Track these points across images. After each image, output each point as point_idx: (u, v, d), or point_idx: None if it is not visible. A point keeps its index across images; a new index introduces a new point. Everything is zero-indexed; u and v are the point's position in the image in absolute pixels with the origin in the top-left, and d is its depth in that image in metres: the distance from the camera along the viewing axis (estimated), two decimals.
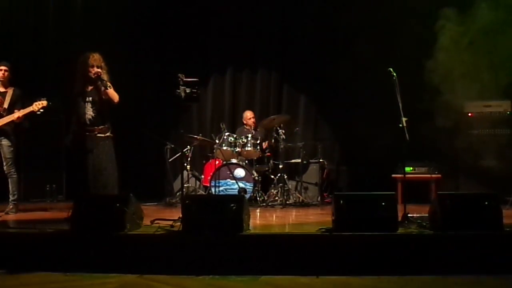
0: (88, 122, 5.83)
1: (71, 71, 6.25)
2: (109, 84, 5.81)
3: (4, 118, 6.51)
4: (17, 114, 6.45)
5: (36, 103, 6.34)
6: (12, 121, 6.50)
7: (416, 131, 6.44)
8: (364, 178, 8.56)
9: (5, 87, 6.69)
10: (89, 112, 5.86)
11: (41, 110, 6.37)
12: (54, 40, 8.75)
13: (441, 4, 7.81)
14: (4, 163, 6.58)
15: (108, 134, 5.92)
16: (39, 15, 8.91)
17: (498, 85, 7.51)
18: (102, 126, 5.86)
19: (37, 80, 8.43)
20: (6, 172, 6.57)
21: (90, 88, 5.89)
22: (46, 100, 6.38)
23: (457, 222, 4.58)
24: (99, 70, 5.79)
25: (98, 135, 5.84)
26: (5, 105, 6.57)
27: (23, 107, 6.50)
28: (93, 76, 5.77)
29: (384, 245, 4.52)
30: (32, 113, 6.38)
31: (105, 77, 5.86)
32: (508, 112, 7.91)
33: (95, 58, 5.86)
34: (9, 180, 6.61)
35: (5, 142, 6.61)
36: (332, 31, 8.75)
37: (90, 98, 5.87)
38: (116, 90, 6.13)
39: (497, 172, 7.60)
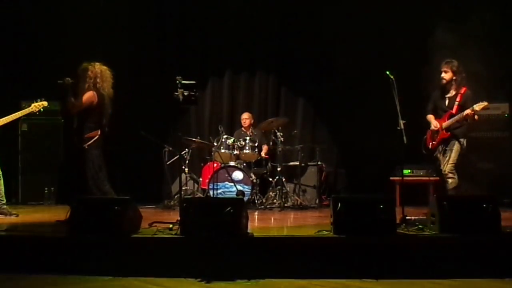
0: (74, 132, 5.97)
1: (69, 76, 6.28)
2: (69, 93, 5.90)
3: (3, 118, 6.34)
4: (18, 114, 6.32)
5: (36, 104, 6.25)
6: None
7: (414, 133, 6.47)
8: (362, 180, 8.57)
9: None
10: (75, 122, 6.02)
11: (41, 110, 6.31)
12: (54, 43, 8.74)
13: (436, 8, 7.85)
14: None
15: (89, 143, 5.93)
16: (40, 18, 8.90)
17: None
18: (83, 136, 5.93)
19: (37, 82, 8.41)
20: None
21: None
22: (46, 100, 6.33)
23: (455, 224, 4.59)
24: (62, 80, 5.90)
25: (79, 145, 5.92)
26: None
27: None
28: None
29: (382, 247, 4.52)
30: (32, 113, 6.30)
31: (84, 86, 5.95)
32: (506, 115, 7.93)
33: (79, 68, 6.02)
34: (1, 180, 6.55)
35: None
36: (330, 33, 8.75)
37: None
38: (113, 93, 6.18)
39: (495, 175, 7.62)
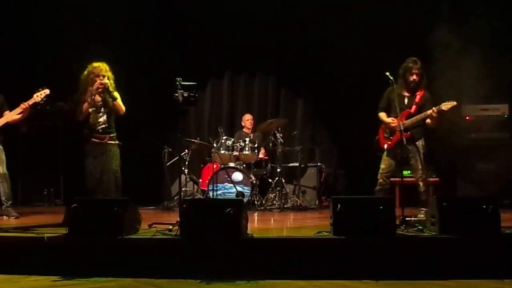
0: (100, 131, 5.93)
1: (69, 77, 6.28)
2: (116, 96, 5.90)
3: (11, 113, 6.36)
4: (23, 106, 6.23)
5: (38, 93, 6.17)
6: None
7: None
8: (362, 181, 8.56)
9: None
10: (101, 121, 5.96)
11: (44, 99, 6.20)
12: (52, 44, 8.74)
13: (435, 10, 7.86)
14: (2, 166, 6.52)
15: (117, 141, 6.03)
16: (38, 20, 8.92)
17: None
18: (113, 135, 5.99)
19: (36, 84, 8.42)
20: (3, 174, 6.52)
21: (99, 98, 5.94)
22: (47, 88, 6.28)
23: (455, 225, 4.58)
24: (106, 82, 5.86)
25: (110, 142, 5.95)
26: None
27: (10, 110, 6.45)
28: (99, 89, 5.86)
29: (382, 248, 4.52)
30: (35, 104, 6.20)
31: (111, 87, 5.95)
32: (505, 116, 7.94)
33: (101, 68, 5.95)
34: (6, 183, 6.57)
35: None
36: (330, 35, 8.76)
37: (102, 109, 5.97)
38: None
39: (495, 176, 7.62)
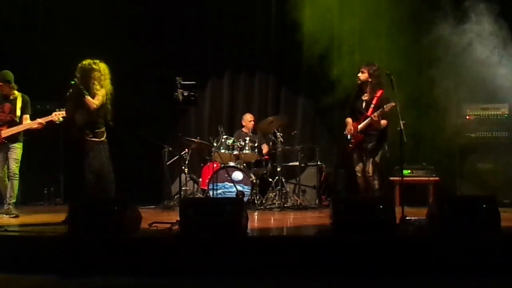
0: (84, 127, 6.04)
1: (68, 75, 6.31)
2: (85, 91, 6.00)
3: (24, 124, 6.55)
4: (40, 121, 6.42)
5: (57, 113, 6.30)
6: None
7: (414, 134, 6.47)
8: None
9: (11, 95, 6.63)
10: (83, 118, 6.07)
11: (61, 119, 6.34)
12: (52, 43, 8.74)
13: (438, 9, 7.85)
14: (14, 165, 6.56)
15: (102, 139, 6.08)
16: (35, 17, 8.92)
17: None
18: (97, 131, 6.05)
19: (35, 83, 8.42)
20: (12, 173, 6.55)
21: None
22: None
23: (455, 225, 4.59)
24: (73, 81, 5.97)
25: (93, 139, 6.01)
26: (18, 113, 6.62)
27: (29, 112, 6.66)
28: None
29: (382, 248, 4.52)
30: (52, 122, 6.37)
31: (95, 85, 6.04)
32: (506, 115, 7.92)
33: (80, 66, 6.15)
34: (13, 182, 6.60)
35: (18, 145, 6.64)
36: (330, 34, 8.75)
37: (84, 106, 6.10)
38: (115, 92, 6.23)
39: (495, 175, 7.62)
